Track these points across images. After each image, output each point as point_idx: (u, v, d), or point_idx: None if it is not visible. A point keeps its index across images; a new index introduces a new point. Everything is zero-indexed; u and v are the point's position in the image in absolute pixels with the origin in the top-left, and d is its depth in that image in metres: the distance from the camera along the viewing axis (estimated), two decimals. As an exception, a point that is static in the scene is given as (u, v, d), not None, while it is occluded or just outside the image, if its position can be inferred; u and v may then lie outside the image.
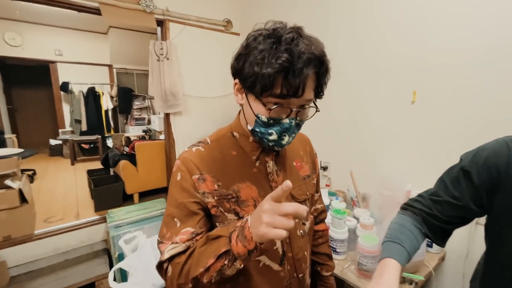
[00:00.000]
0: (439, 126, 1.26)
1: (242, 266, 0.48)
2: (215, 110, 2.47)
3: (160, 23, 2.15)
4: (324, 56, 0.50)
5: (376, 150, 1.51)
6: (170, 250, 0.52)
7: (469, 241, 1.19)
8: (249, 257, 0.46)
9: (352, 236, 1.23)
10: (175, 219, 0.55)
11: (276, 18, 0.54)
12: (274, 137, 0.53)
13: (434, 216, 0.65)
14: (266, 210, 0.43)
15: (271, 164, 0.62)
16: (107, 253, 2.09)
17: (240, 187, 0.58)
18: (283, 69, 0.46)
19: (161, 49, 2.09)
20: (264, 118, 0.52)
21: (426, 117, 1.30)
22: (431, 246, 1.25)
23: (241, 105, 0.59)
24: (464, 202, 0.60)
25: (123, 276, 1.65)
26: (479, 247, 1.18)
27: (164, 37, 2.18)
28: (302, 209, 0.42)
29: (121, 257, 1.67)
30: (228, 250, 0.46)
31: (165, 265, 0.53)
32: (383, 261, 0.59)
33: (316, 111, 0.55)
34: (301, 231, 0.66)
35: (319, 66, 0.49)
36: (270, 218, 0.42)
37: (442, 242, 0.68)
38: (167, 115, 2.30)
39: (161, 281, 1.05)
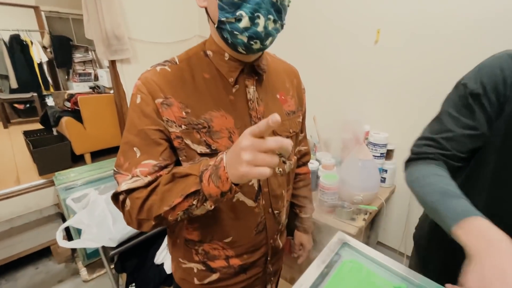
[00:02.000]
0: (399, 69, 1.27)
1: (213, 207, 0.44)
2: (169, 57, 2.22)
3: None
4: None
5: (338, 94, 1.51)
6: (129, 183, 0.47)
7: (416, 174, 1.31)
8: (222, 198, 0.42)
9: (314, 178, 1.27)
10: (135, 148, 0.48)
11: None
12: (245, 21, 0.42)
13: (452, 156, 0.55)
14: (246, 146, 0.37)
15: (251, 89, 0.54)
16: (62, 217, 1.94)
17: (213, 116, 0.50)
18: None
19: (95, -22, 1.71)
20: None
21: (386, 58, 1.29)
22: (384, 182, 1.35)
23: (206, 8, 0.48)
24: (482, 129, 0.52)
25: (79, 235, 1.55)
26: (424, 179, 1.30)
27: (97, -38, 1.77)
28: (287, 143, 0.37)
29: (76, 219, 1.55)
30: (198, 191, 0.42)
31: (121, 197, 0.48)
32: (471, 224, 0.41)
33: None
34: (280, 169, 0.61)
35: None
36: (252, 156, 0.36)
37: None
38: (113, 64, 2.00)
39: (119, 235, 0.99)
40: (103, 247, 1.04)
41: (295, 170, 0.75)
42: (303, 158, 0.82)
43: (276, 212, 0.62)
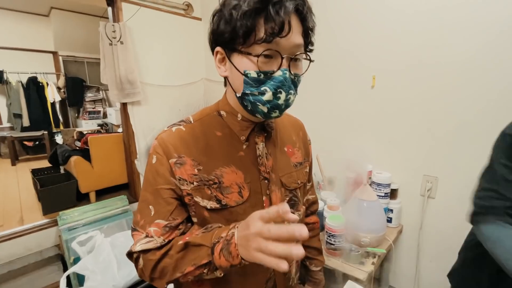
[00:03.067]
0: (395, 109, 1.34)
1: (223, 275, 0.46)
2: (178, 99, 2.34)
3: (110, 2, 1.94)
4: None
5: (340, 134, 1.56)
6: (143, 243, 0.50)
7: (422, 214, 1.30)
8: (232, 269, 0.43)
9: (320, 218, 1.27)
10: (150, 206, 0.52)
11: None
12: (268, 96, 0.46)
13: None
14: (254, 233, 0.38)
15: (261, 146, 0.57)
16: (61, 259, 1.89)
17: (224, 172, 0.53)
18: (261, 3, 0.42)
19: (114, 31, 1.89)
20: (253, 73, 0.46)
21: (384, 100, 1.37)
22: (390, 222, 1.34)
23: (226, 77, 0.53)
24: None
25: (80, 282, 1.50)
26: (431, 219, 1.30)
27: (116, 19, 1.98)
28: (300, 231, 0.36)
29: (77, 262, 1.51)
30: (210, 262, 0.44)
31: (135, 255, 0.51)
32: None
33: (310, 61, 0.50)
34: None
35: (300, 0, 0.45)
36: (259, 244, 0.37)
37: None
38: (124, 106, 2.11)
39: (123, 281, 0.97)
40: (106, 295, 1.01)
41: (304, 219, 0.75)
42: (311, 207, 0.82)
43: None
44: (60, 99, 4.48)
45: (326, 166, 1.55)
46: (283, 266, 0.35)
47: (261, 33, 0.44)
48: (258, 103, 0.48)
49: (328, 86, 1.57)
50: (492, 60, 1.05)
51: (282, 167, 0.60)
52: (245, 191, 0.54)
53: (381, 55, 1.34)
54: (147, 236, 0.50)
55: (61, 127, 4.49)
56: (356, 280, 1.00)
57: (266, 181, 0.56)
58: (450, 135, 1.19)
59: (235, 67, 0.48)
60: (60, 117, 4.60)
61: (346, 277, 1.03)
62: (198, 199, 0.52)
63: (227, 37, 0.47)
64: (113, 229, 1.82)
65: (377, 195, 1.27)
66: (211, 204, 0.52)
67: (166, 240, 0.50)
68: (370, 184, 1.35)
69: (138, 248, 0.49)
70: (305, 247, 0.78)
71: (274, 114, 0.49)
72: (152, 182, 0.52)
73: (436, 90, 1.20)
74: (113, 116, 3.57)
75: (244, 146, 0.56)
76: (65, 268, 1.76)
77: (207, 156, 0.53)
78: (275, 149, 0.60)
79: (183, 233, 0.53)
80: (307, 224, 0.79)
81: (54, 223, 1.90)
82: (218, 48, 0.51)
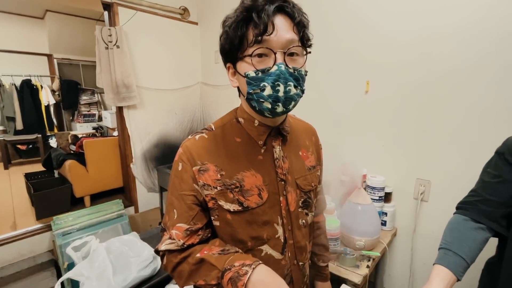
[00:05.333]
0: (389, 114, 1.36)
1: None
2: (174, 103, 2.35)
3: (107, 6, 1.95)
4: None
5: (335, 138, 1.58)
6: (167, 244, 0.55)
7: (416, 217, 1.32)
8: None
9: (315, 221, 1.28)
10: (174, 210, 0.57)
11: (236, 7, 0.53)
12: (268, 90, 0.50)
13: (489, 202, 0.67)
14: None
15: (277, 149, 0.61)
16: (55, 265, 1.86)
17: (244, 176, 0.57)
18: (247, 11, 0.49)
19: (110, 35, 1.90)
20: (252, 73, 0.50)
21: (378, 105, 1.39)
22: (384, 225, 1.36)
23: (238, 88, 0.58)
24: (509, 177, 0.65)
25: (72, 285, 1.48)
26: (424, 222, 1.32)
27: (112, 23, 1.98)
28: None
29: (71, 267, 1.49)
30: (219, 284, 0.50)
31: (161, 253, 0.58)
32: (436, 268, 0.62)
33: (307, 53, 0.54)
34: (303, 221, 0.65)
35: (284, 1, 0.50)
36: None
37: (507, 229, 0.66)
38: (120, 109, 2.11)
39: (119, 286, 0.96)
40: (100, 301, 1.00)
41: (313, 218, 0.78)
42: (319, 206, 0.85)
43: (301, 263, 0.65)
44: (54, 102, 4.43)
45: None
46: None
47: (251, 36, 0.49)
48: (261, 100, 0.51)
49: (323, 90, 1.59)
50: (485, 67, 1.08)
51: (297, 169, 0.64)
52: (264, 193, 0.58)
53: (375, 60, 1.37)
54: (170, 238, 0.55)
55: (55, 130, 4.44)
56: (352, 283, 1.01)
57: (283, 183, 0.60)
58: (443, 139, 1.21)
59: (239, 73, 0.54)
60: (54, 120, 4.55)
61: (342, 280, 1.04)
62: (221, 202, 0.55)
63: (227, 49, 0.53)
64: (108, 233, 1.80)
65: (372, 199, 1.29)
66: (234, 207, 0.56)
67: (186, 244, 0.55)
68: (364, 188, 1.37)
69: (163, 247, 0.55)
70: (313, 244, 0.82)
71: (279, 109, 0.52)
72: (177, 187, 0.57)
73: (429, 96, 1.23)
74: (109, 119, 3.55)
75: (262, 150, 0.60)
76: (59, 274, 1.74)
77: (228, 161, 0.57)
78: (291, 152, 0.64)
79: (201, 238, 0.57)
80: (315, 222, 0.82)
81: (48, 228, 1.88)
82: (228, 64, 0.57)
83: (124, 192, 2.44)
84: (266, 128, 0.59)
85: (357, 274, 1.04)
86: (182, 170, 0.56)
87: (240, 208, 0.56)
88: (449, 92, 1.17)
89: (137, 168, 2.19)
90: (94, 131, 3.90)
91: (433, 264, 0.65)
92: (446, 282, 0.60)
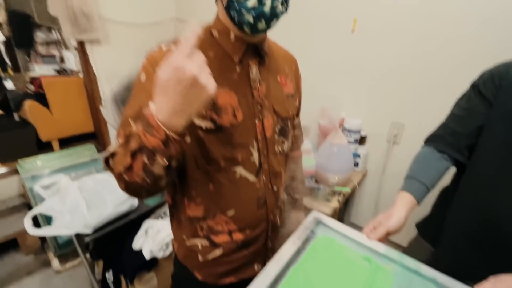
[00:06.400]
0: (373, 55, 1.32)
1: (169, 162, 0.42)
2: (145, 41, 2.11)
3: None
4: None
5: (316, 81, 1.54)
6: (112, 147, 0.46)
7: (386, 159, 1.39)
8: (168, 149, 0.40)
9: (292, 162, 1.31)
10: (130, 120, 0.47)
11: None
12: (253, 2, 0.44)
13: (455, 133, 0.69)
14: (166, 66, 0.36)
15: (254, 70, 0.56)
16: (28, 208, 1.83)
17: (218, 93, 0.51)
18: None
19: None
20: None
21: (363, 46, 1.33)
22: (357, 166, 1.43)
23: None
24: (478, 109, 0.66)
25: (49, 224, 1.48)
26: (394, 164, 1.40)
27: None
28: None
29: (45, 208, 1.47)
30: (142, 147, 0.40)
31: (111, 161, 0.47)
32: (401, 194, 0.67)
33: None
34: (280, 148, 0.64)
35: None
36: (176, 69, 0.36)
37: (468, 158, 0.70)
38: (81, 45, 1.86)
39: (94, 221, 0.96)
40: (77, 235, 1.01)
41: (289, 153, 0.77)
42: (297, 141, 0.84)
43: (275, 187, 0.65)
44: (4, 38, 3.85)
45: (301, 114, 1.55)
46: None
47: None
48: (243, 11, 0.45)
49: (304, 28, 1.48)
50: (465, 11, 1.04)
51: (275, 94, 0.60)
52: (239, 113, 0.54)
53: (365, -5, 1.26)
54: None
55: (10, 72, 3.95)
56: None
57: (259, 106, 0.57)
58: (420, 84, 1.22)
59: None
60: (7, 60, 4.01)
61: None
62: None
63: None
64: (82, 176, 1.75)
65: (348, 141, 1.32)
66: (206, 124, 0.51)
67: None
68: (342, 131, 1.39)
69: (109, 150, 0.46)
70: (289, 178, 0.83)
71: (260, 26, 0.47)
72: (137, 98, 0.50)
73: (412, 39, 1.19)
74: (72, 61, 3.20)
75: (238, 69, 0.55)
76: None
77: None
78: (268, 76, 0.59)
79: None
80: (292, 157, 0.82)
81: (15, 172, 1.78)
82: None
83: (96, 137, 2.32)
84: (243, 44, 0.53)
85: (327, 207, 1.12)
86: (147, 81, 0.49)
87: (212, 126, 0.52)
88: (429, 36, 1.14)
89: (108, 111, 2.04)
90: (57, 73, 3.53)
91: (399, 191, 0.69)
92: (408, 205, 0.65)
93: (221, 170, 0.56)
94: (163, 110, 0.38)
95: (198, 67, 0.36)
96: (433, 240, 0.79)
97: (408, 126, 1.30)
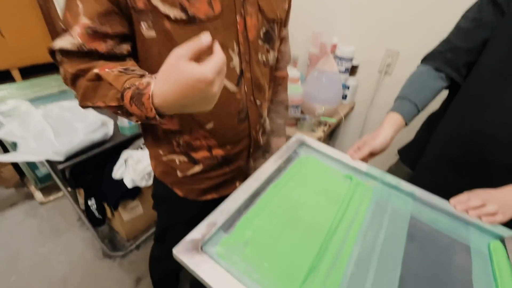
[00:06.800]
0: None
1: (141, 123, 0.43)
2: None
3: None
4: None
5: (307, 3, 1.36)
6: (62, 40, 0.40)
7: (375, 90, 1.34)
8: (148, 121, 0.39)
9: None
10: (78, 2, 0.39)
11: None
12: None
13: (457, 49, 0.63)
14: (174, 56, 0.32)
15: None
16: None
17: None
18: None
19: None
20: None
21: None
22: (345, 99, 1.37)
23: None
24: (487, 19, 0.59)
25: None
26: (383, 95, 1.35)
27: None
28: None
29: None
30: (121, 106, 0.38)
31: (57, 55, 0.42)
32: (390, 114, 0.64)
33: None
34: (264, 57, 0.56)
35: None
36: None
37: (464, 78, 0.65)
38: None
39: (64, 148, 0.90)
40: (49, 162, 0.95)
41: (274, 72, 0.69)
42: (282, 60, 0.74)
43: (258, 102, 0.59)
44: None
45: (290, 41, 1.40)
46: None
47: None
48: None
49: None
50: None
51: None
52: (216, 3, 0.44)
53: None
54: (71, 36, 0.40)
55: None
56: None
57: None
58: (420, 7, 1.09)
59: None
60: None
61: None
62: (157, 2, 0.41)
63: None
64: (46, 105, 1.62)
65: (338, 70, 1.23)
66: (175, 13, 0.42)
67: (87, 47, 0.40)
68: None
69: (57, 44, 0.40)
70: (273, 100, 0.77)
71: None
72: None
73: None
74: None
75: None
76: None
77: None
78: None
79: (109, 51, 0.42)
80: (278, 78, 0.75)
81: (-27, 103, 1.61)
82: None
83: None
84: None
85: (312, 137, 1.09)
86: None
87: (184, 16, 0.42)
88: None
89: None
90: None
91: (388, 112, 0.66)
92: (396, 126, 0.63)
93: None
94: (162, 97, 0.34)
95: (220, 87, 0.34)
96: (413, 163, 0.80)
97: (403, 55, 1.21)
